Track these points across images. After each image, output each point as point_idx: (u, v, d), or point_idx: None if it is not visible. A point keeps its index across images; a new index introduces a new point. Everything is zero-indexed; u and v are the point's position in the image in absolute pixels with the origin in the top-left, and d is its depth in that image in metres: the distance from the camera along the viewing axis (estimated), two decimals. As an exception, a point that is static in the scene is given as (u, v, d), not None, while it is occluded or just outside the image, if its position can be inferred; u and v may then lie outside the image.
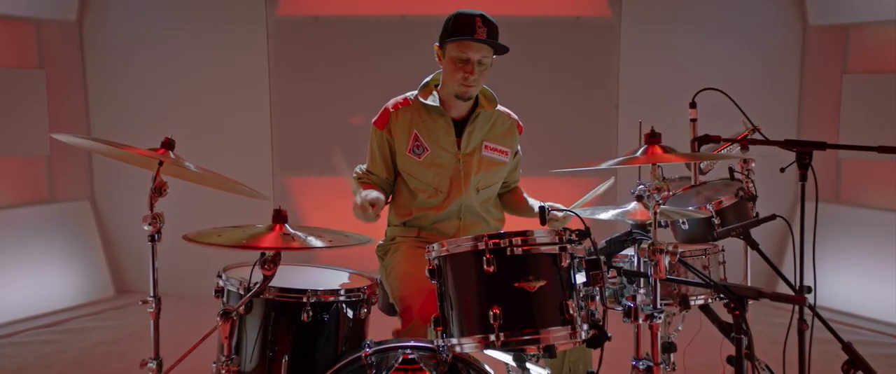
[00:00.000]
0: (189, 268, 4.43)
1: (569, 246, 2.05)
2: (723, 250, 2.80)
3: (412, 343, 2.18)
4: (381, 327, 2.73)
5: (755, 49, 5.48)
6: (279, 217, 2.16)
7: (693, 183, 2.67)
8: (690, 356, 3.12)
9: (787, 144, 2.30)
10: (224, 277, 2.35)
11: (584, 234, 2.07)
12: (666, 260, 2.15)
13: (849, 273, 5.02)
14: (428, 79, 2.97)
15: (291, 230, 2.14)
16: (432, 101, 2.89)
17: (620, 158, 2.30)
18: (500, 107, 2.99)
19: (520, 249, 2.01)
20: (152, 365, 2.33)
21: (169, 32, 5.60)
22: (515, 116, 3.04)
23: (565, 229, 2.07)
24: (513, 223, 3.02)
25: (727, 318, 2.40)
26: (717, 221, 2.87)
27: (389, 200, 3.02)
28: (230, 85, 5.61)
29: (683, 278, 2.53)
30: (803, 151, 2.28)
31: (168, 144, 2.33)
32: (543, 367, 2.24)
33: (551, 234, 2.05)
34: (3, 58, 5.29)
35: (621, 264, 2.57)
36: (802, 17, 5.46)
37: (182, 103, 5.59)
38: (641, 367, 2.23)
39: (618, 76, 5.52)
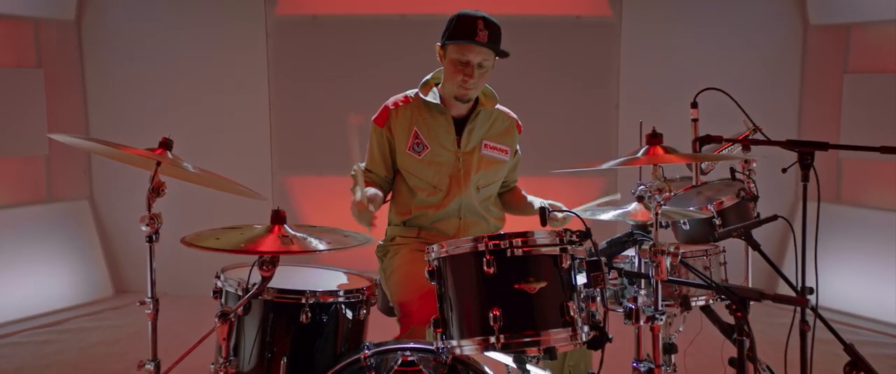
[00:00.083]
0: (189, 268, 4.41)
1: (569, 247, 2.04)
2: (724, 251, 2.79)
3: (411, 345, 2.17)
4: (380, 328, 2.72)
5: (756, 49, 5.47)
6: (278, 218, 2.15)
7: (694, 183, 2.66)
8: (691, 357, 3.11)
9: (789, 145, 2.29)
10: (222, 278, 2.34)
11: (585, 235, 2.06)
12: (667, 261, 2.14)
13: (850, 273, 5.01)
14: (428, 77, 2.95)
15: (290, 232, 2.13)
16: (433, 98, 2.87)
17: (622, 159, 2.28)
18: (499, 106, 2.98)
19: (520, 250, 2.00)
20: (150, 367, 2.32)
21: (168, 32, 5.58)
22: (514, 116, 3.03)
23: (566, 230, 2.06)
24: (513, 223, 3.01)
25: (728, 319, 2.39)
26: (718, 221, 2.86)
27: (388, 198, 3.01)
28: (229, 84, 5.59)
29: (685, 279, 2.52)
30: (805, 152, 2.26)
31: (166, 145, 2.31)
32: (543, 369, 2.22)
33: (552, 235, 2.04)
34: (2, 57, 5.28)
35: (622, 265, 2.56)
36: (803, 17, 5.45)
37: (181, 103, 5.58)
38: (642, 369, 2.22)
39: (618, 76, 5.51)
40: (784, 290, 2.49)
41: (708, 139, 2.49)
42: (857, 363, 2.31)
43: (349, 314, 2.31)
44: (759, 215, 2.94)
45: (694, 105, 2.62)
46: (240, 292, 2.24)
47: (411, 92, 2.95)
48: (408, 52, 5.22)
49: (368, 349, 2.16)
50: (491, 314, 1.96)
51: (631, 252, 2.52)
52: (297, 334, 2.23)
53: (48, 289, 5.25)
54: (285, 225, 2.15)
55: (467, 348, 2.03)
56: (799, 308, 2.31)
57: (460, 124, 2.90)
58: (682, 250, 2.21)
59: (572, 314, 1.99)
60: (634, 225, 2.53)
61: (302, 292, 2.21)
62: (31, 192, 5.47)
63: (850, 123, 5.27)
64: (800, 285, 2.34)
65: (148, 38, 5.59)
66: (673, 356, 2.71)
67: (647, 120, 2.54)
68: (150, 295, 2.34)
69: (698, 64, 5.41)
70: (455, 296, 2.06)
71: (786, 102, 5.50)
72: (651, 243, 2.17)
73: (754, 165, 2.96)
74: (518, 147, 3.05)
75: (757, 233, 2.83)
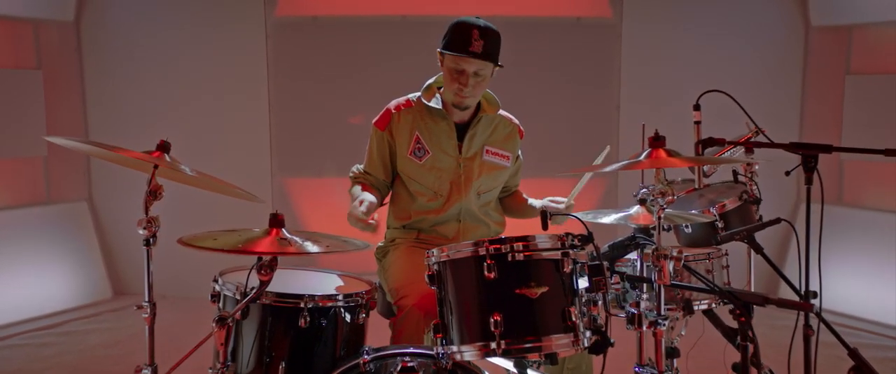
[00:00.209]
0: (188, 270, 4.40)
1: (571, 251, 2.02)
2: (726, 254, 2.77)
3: (411, 350, 2.15)
4: (380, 331, 2.70)
5: (757, 50, 5.46)
6: (276, 222, 2.13)
7: (697, 186, 2.64)
8: (693, 361, 3.09)
9: (792, 148, 2.27)
10: (220, 281, 2.31)
11: (587, 239, 2.04)
12: (670, 265, 2.12)
13: (851, 276, 4.99)
14: (431, 81, 2.93)
15: (288, 235, 2.11)
16: (435, 103, 2.85)
17: (624, 162, 2.26)
18: (501, 111, 2.95)
19: (521, 254, 1.98)
20: (147, 372, 2.30)
21: (167, 33, 5.56)
22: (517, 121, 3.01)
23: (567, 234, 2.04)
24: (513, 227, 3.00)
25: (731, 323, 2.37)
26: (720, 224, 2.84)
27: (385, 201, 2.99)
28: (229, 85, 5.58)
29: (688, 283, 2.49)
30: (809, 155, 2.24)
31: (163, 147, 2.29)
32: (544, 373, 2.20)
33: (553, 239, 2.02)
34: (1, 58, 5.26)
35: (624, 269, 2.53)
36: (805, 18, 5.43)
37: (180, 104, 5.56)
38: (645, 374, 2.20)
39: (619, 77, 5.49)
40: (785, 292, 2.47)
41: (711, 142, 2.47)
42: (861, 367, 2.29)
43: (348, 318, 2.28)
44: (761, 217, 2.92)
45: (697, 107, 2.60)
46: (238, 296, 2.22)
47: (413, 96, 2.93)
48: (408, 53, 5.20)
49: (368, 354, 2.14)
50: (492, 320, 1.94)
51: (633, 256, 2.50)
52: (296, 338, 2.20)
53: (46, 291, 5.23)
54: (283, 229, 2.13)
55: (468, 353, 2.00)
56: (803, 313, 2.29)
57: (462, 130, 2.88)
58: (684, 254, 2.18)
59: (574, 319, 1.97)
60: (636, 228, 2.51)
61: (300, 297, 2.18)
62: (29, 193, 5.45)
63: (851, 124, 5.25)
64: (803, 288, 2.32)
65: (147, 39, 5.57)
66: (675, 361, 2.69)
67: (648, 121, 2.52)
68: (147, 299, 2.32)
69: (699, 65, 5.39)
70: (455, 301, 2.04)
71: (787, 104, 5.49)
72: (654, 246, 2.15)
73: (756, 167, 2.94)
74: (520, 152, 3.03)
75: (758, 234, 2.81)
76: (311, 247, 2.09)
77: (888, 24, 5.06)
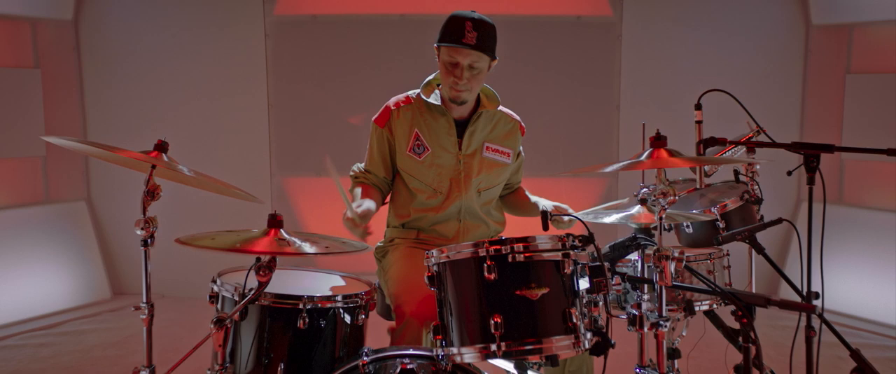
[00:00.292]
0: (188, 270, 4.39)
1: (572, 252, 2.00)
2: (728, 255, 2.76)
3: (411, 352, 2.13)
4: (379, 332, 2.69)
5: (758, 49, 5.44)
6: (274, 222, 2.11)
7: (698, 186, 2.63)
8: (694, 361, 3.08)
9: (794, 147, 2.26)
10: (219, 282, 2.30)
11: (588, 239, 2.02)
12: (672, 266, 2.10)
13: (852, 275, 4.98)
14: (430, 78, 2.92)
15: (286, 236, 2.09)
16: (434, 99, 2.84)
17: (626, 162, 2.25)
18: (502, 108, 2.93)
19: (521, 255, 1.96)
20: (145, 373, 2.28)
21: (166, 31, 5.55)
22: (518, 118, 2.99)
23: (568, 235, 2.02)
24: (514, 226, 2.98)
25: (732, 323, 2.36)
26: (721, 224, 2.83)
27: (386, 201, 2.98)
28: (228, 84, 5.56)
29: (689, 284, 2.48)
30: (811, 155, 2.23)
31: (161, 147, 2.28)
32: (544, 375, 2.19)
33: (554, 240, 2.00)
34: (-1, 58, 5.25)
35: (625, 270, 2.52)
36: (805, 17, 5.42)
37: (179, 103, 5.55)
38: (646, 375, 2.18)
39: (619, 76, 5.47)
40: (786, 291, 2.46)
41: (712, 141, 2.45)
42: (863, 369, 2.28)
43: (347, 319, 2.27)
44: (762, 217, 2.90)
45: (698, 107, 2.59)
46: (236, 298, 2.20)
47: (413, 93, 2.91)
48: (407, 52, 5.19)
49: (367, 355, 2.12)
50: (492, 321, 1.92)
51: (634, 256, 2.48)
52: (295, 339, 2.19)
53: (45, 291, 5.21)
54: (282, 230, 2.11)
55: (468, 355, 1.99)
56: (805, 314, 2.27)
57: (462, 126, 2.86)
58: (686, 255, 2.17)
59: (575, 320, 1.96)
60: (637, 228, 2.49)
61: (299, 298, 2.17)
62: (28, 193, 5.43)
63: (852, 123, 5.24)
64: (805, 289, 2.31)
65: (146, 38, 5.56)
66: (676, 362, 2.68)
67: (648, 120, 2.51)
68: (144, 300, 2.30)
69: (699, 64, 5.37)
70: (455, 302, 2.02)
71: (787, 103, 5.47)
72: (655, 247, 2.14)
73: (758, 167, 2.93)
74: (521, 149, 3.01)
75: (759, 234, 2.79)
76: (310, 248, 2.08)
77: (889, 23, 5.05)
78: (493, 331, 1.92)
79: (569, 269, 1.98)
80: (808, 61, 5.46)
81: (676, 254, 2.12)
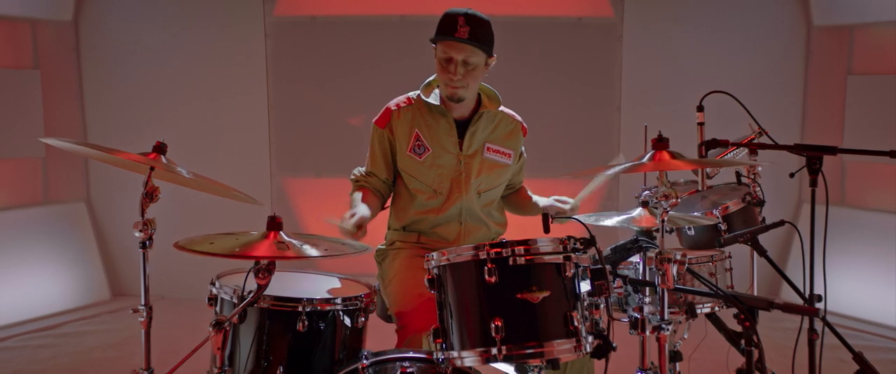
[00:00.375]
0: (187, 271, 4.37)
1: (573, 255, 1.99)
2: (730, 257, 2.74)
3: (411, 355, 2.12)
4: (379, 334, 2.67)
5: (759, 50, 5.43)
6: (274, 225, 2.10)
7: (700, 188, 2.62)
8: (695, 363, 3.07)
9: (797, 149, 2.25)
10: (217, 284, 2.29)
11: (589, 242, 2.01)
12: (674, 269, 2.09)
13: (853, 277, 4.97)
14: (430, 78, 2.90)
15: (286, 239, 2.08)
16: (434, 99, 2.82)
17: (627, 164, 2.24)
18: (503, 108, 2.92)
19: (522, 258, 1.94)
20: (144, 376, 2.27)
21: (166, 32, 5.54)
22: (519, 118, 2.97)
23: (569, 238, 2.00)
24: (515, 226, 2.97)
25: (734, 326, 2.35)
26: (723, 226, 2.81)
27: (387, 204, 2.96)
28: (228, 85, 5.55)
29: (691, 287, 2.47)
30: (813, 157, 2.22)
31: (159, 149, 2.27)
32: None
33: (555, 242, 1.99)
34: (-2, 58, 5.24)
35: (626, 272, 2.51)
36: (806, 18, 5.41)
37: (179, 104, 5.54)
38: (647, 379, 2.17)
39: (620, 77, 5.46)
40: (788, 293, 2.45)
41: (714, 143, 2.44)
42: (866, 372, 2.27)
43: (347, 322, 2.25)
44: (764, 219, 2.89)
45: (700, 109, 2.58)
46: (235, 300, 2.19)
47: (413, 93, 2.90)
48: (407, 53, 5.18)
49: (366, 358, 2.11)
50: (492, 325, 1.91)
51: (635, 259, 2.47)
52: (294, 342, 2.17)
53: (44, 292, 5.20)
54: (281, 232, 2.10)
55: (468, 359, 1.97)
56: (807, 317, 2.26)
57: (463, 127, 2.84)
58: (688, 258, 2.16)
59: (576, 323, 1.94)
60: (639, 231, 2.48)
61: (299, 300, 2.15)
62: (27, 194, 5.42)
63: (853, 125, 5.23)
64: (807, 292, 2.30)
65: (146, 39, 5.55)
66: (678, 364, 2.66)
67: (649, 121, 2.50)
68: (143, 302, 2.29)
69: (700, 65, 5.36)
70: (455, 305, 2.01)
71: (788, 104, 5.46)
72: (657, 250, 2.12)
73: (759, 168, 2.92)
74: (523, 150, 3.00)
75: (761, 237, 2.78)
76: (310, 251, 2.06)
77: (890, 25, 5.03)
78: (493, 335, 1.91)
79: (570, 272, 1.97)
80: (809, 62, 5.45)
81: (678, 257, 2.11)
